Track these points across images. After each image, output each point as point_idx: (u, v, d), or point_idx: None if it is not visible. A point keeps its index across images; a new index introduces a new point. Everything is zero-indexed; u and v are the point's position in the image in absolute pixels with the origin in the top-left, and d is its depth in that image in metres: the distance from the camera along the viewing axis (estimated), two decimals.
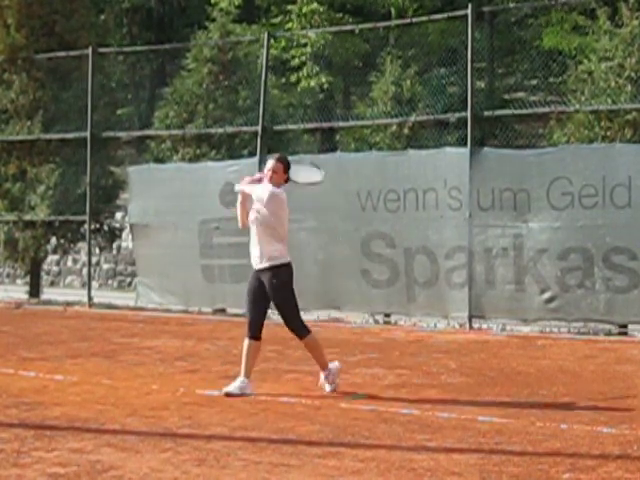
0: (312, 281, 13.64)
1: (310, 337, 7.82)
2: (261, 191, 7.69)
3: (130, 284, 23.72)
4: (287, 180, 7.88)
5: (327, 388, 7.88)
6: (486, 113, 13.66)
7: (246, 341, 7.78)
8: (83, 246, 18.96)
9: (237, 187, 7.98)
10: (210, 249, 14.62)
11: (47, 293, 18.66)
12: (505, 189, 12.39)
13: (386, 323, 13.47)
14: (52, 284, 25.36)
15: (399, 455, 5.79)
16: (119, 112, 18.97)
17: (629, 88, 12.77)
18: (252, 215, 7.80)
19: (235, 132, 15.63)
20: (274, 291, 7.70)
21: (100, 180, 16.64)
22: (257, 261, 7.79)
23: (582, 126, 13.03)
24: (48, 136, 16.73)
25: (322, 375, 7.92)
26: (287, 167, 7.86)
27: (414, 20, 16.97)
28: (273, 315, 14.18)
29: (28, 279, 18.67)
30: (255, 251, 7.81)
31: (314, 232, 13.64)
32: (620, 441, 6.14)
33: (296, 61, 25.59)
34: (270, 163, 7.85)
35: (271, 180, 7.75)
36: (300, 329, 7.81)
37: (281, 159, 7.91)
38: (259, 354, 7.97)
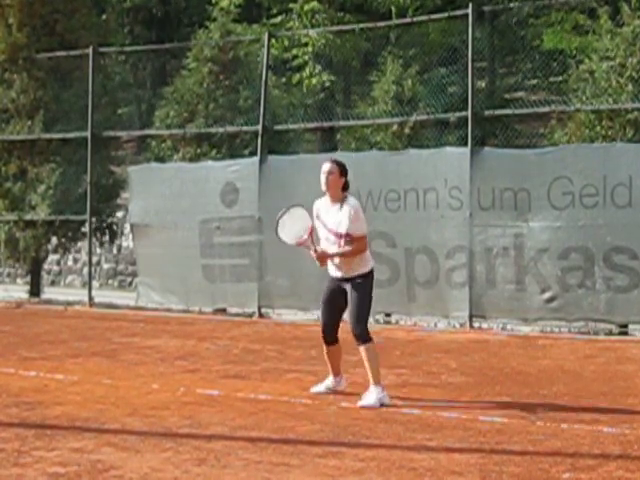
0: (312, 281, 13.62)
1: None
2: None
3: (131, 284, 23.71)
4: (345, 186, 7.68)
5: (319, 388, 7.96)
6: (487, 113, 13.66)
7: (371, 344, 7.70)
8: (84, 245, 18.98)
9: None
10: (211, 249, 14.62)
11: (48, 292, 18.65)
12: (506, 189, 12.39)
13: (386, 323, 13.47)
14: (53, 283, 25.34)
15: (399, 455, 5.79)
16: (120, 112, 18.95)
17: (630, 88, 12.76)
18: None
19: (236, 132, 15.62)
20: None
21: (101, 180, 16.63)
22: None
23: (583, 126, 13.02)
24: (49, 136, 16.72)
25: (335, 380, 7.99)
26: (343, 171, 7.64)
27: (415, 19, 16.98)
28: (273, 315, 14.27)
29: (29, 278, 18.67)
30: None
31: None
32: (621, 441, 6.15)
33: (297, 60, 25.58)
34: (325, 166, 7.64)
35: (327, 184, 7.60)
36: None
37: (336, 161, 7.71)
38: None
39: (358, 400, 7.46)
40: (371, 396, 7.44)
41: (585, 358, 10.13)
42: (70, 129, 16.50)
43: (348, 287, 7.63)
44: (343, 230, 7.55)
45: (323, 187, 7.65)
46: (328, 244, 7.68)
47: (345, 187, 7.66)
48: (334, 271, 7.73)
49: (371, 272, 7.70)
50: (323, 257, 7.66)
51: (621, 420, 6.79)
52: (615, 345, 11.20)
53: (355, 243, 7.54)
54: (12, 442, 6.08)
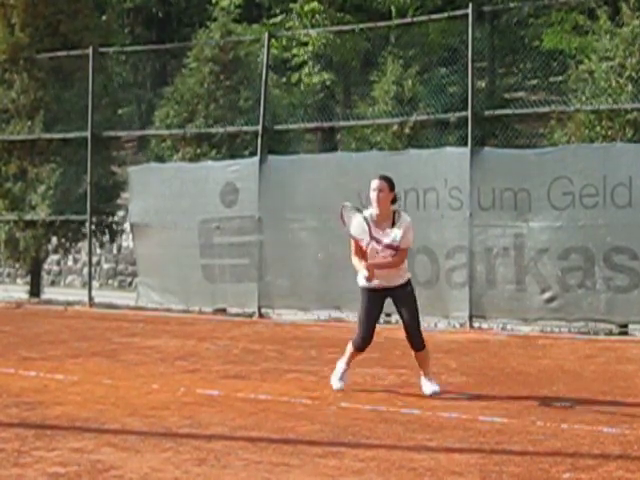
0: (312, 281, 13.65)
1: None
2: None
3: (131, 284, 23.72)
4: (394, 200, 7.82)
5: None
6: (487, 113, 13.67)
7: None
8: (84, 246, 18.97)
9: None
10: (210, 249, 14.62)
11: (48, 293, 18.65)
12: (506, 189, 12.39)
13: (386, 323, 13.45)
14: (53, 284, 25.36)
15: (399, 455, 5.79)
16: (120, 112, 18.95)
17: (630, 88, 12.76)
18: None
19: (236, 132, 15.62)
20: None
21: (101, 180, 16.63)
22: None
23: (583, 126, 13.02)
24: (49, 136, 16.71)
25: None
26: (392, 186, 7.79)
27: (415, 19, 16.99)
28: (273, 315, 14.26)
29: (29, 279, 18.67)
30: None
31: (314, 232, 13.64)
32: (620, 441, 6.15)
33: (297, 60, 25.61)
34: (375, 183, 7.75)
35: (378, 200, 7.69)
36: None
37: (385, 177, 7.84)
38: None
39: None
40: (435, 384, 7.87)
41: (585, 358, 10.13)
42: (70, 129, 16.49)
43: (396, 297, 7.80)
44: (397, 243, 7.67)
45: (374, 204, 7.72)
46: (375, 256, 7.70)
47: (394, 200, 7.83)
48: (376, 281, 7.72)
49: (409, 281, 7.86)
50: (373, 268, 7.65)
51: (621, 420, 6.79)
52: (615, 345, 11.20)
53: (400, 254, 7.69)
54: (12, 442, 6.08)
